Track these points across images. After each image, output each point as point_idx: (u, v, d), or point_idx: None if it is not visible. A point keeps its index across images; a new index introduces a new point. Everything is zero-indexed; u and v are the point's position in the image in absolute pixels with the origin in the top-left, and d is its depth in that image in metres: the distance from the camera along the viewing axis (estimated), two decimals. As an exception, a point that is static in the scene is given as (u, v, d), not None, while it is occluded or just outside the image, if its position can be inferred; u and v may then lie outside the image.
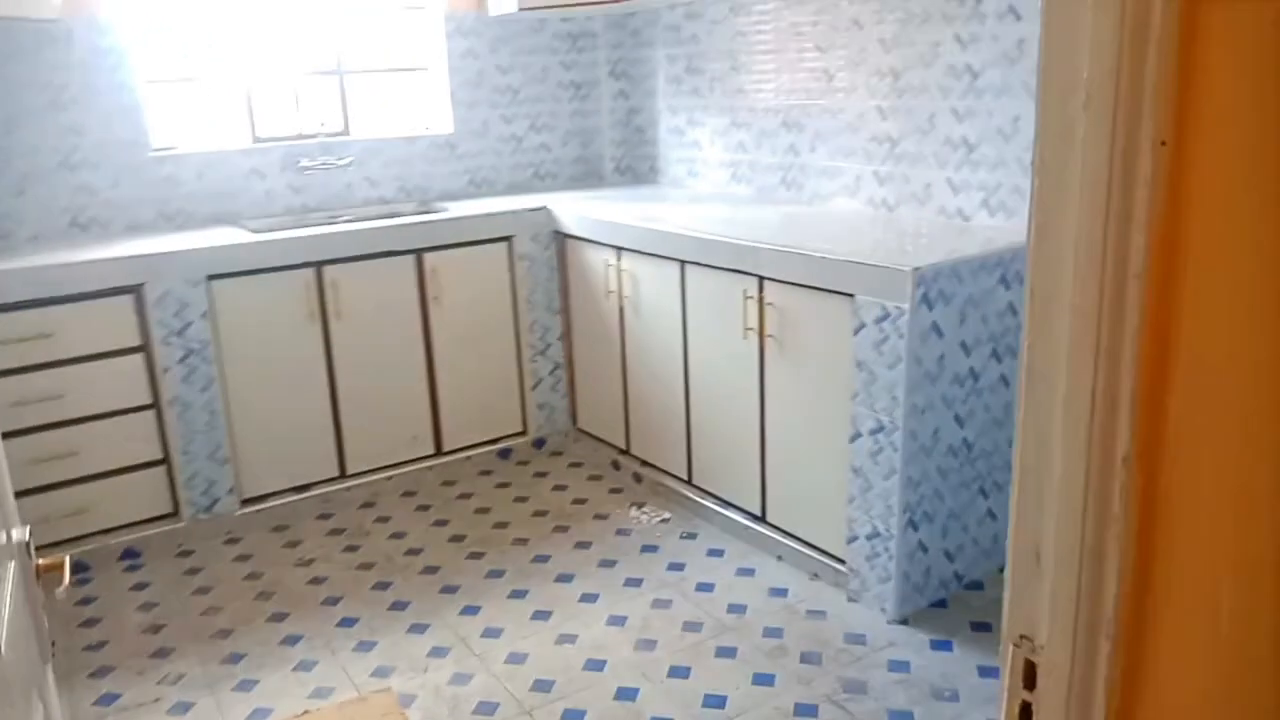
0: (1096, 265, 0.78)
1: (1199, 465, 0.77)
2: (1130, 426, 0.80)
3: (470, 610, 2.88)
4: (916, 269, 2.49)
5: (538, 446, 4.05)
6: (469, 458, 3.90)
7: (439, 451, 3.84)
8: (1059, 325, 0.83)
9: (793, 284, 2.84)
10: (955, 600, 2.80)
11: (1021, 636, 0.93)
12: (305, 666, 2.65)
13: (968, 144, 3.02)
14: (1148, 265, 0.76)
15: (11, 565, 1.23)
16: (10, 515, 1.31)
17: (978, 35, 2.93)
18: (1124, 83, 0.74)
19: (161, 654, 2.74)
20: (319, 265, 3.47)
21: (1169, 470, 0.79)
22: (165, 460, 3.31)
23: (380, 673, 2.60)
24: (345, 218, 3.96)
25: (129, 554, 3.30)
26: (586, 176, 4.67)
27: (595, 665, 2.59)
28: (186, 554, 3.31)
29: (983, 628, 2.66)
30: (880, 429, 2.63)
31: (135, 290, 3.18)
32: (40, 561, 1.32)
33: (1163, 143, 0.73)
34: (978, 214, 3.03)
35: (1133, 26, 0.73)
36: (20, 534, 1.32)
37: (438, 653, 2.68)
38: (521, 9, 3.97)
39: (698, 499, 3.41)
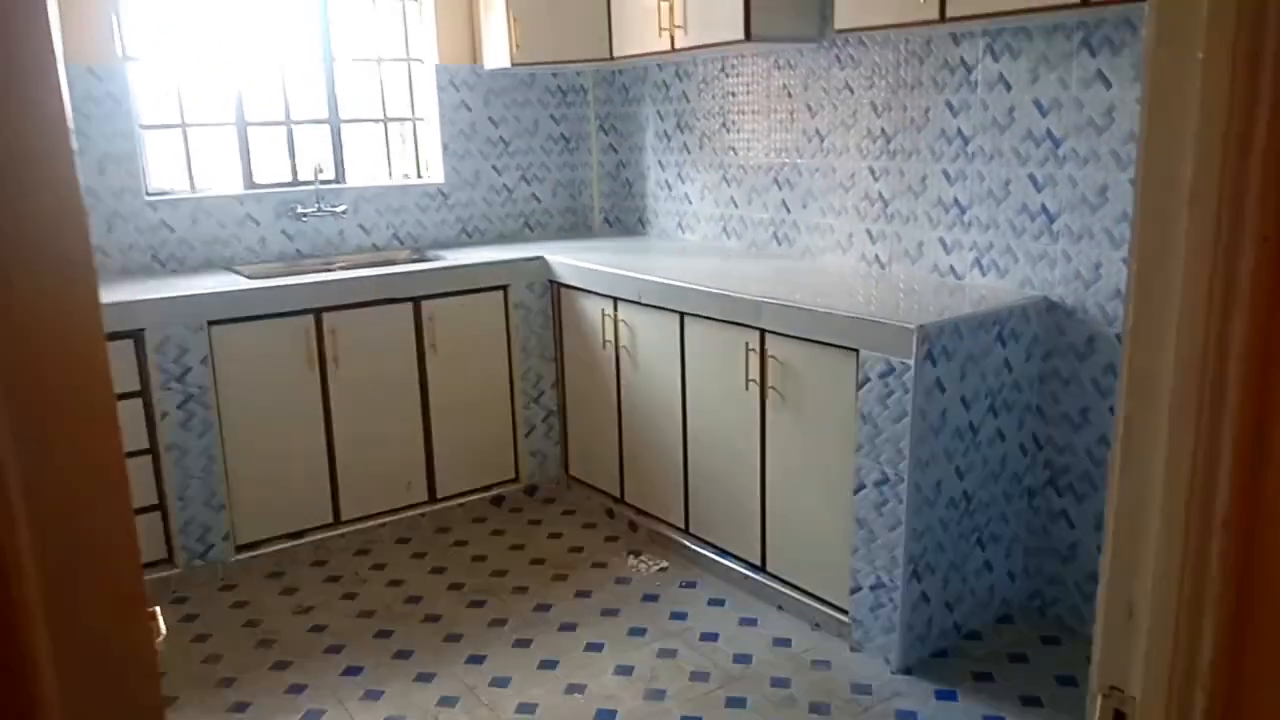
0: (1199, 348, 0.86)
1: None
2: (1229, 493, 0.87)
3: (475, 659, 2.88)
4: (921, 326, 2.59)
5: (530, 494, 4.06)
6: (462, 504, 3.90)
7: (432, 498, 3.84)
8: (1159, 401, 0.90)
9: (795, 338, 2.92)
10: (956, 650, 2.86)
11: (1112, 687, 0.99)
12: (313, 716, 2.62)
13: (959, 205, 3.15)
14: (1249, 348, 0.84)
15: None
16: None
17: (968, 102, 3.07)
18: (1228, 180, 0.82)
19: (163, 704, 2.69)
20: (319, 312, 3.49)
21: (1266, 534, 0.86)
22: (160, 506, 3.27)
23: (389, 724, 2.59)
24: (339, 264, 3.99)
25: (119, 603, 3.23)
26: (575, 227, 4.75)
27: (607, 715, 2.60)
28: (181, 600, 3.26)
29: (984, 678, 2.72)
30: (885, 481, 2.71)
31: (135, 335, 3.17)
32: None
33: (1266, 238, 0.82)
34: (970, 273, 3.15)
35: (1240, 126, 0.81)
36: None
37: (447, 702, 2.67)
38: (514, 64, 4.06)
39: (696, 548, 3.45)
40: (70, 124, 0.87)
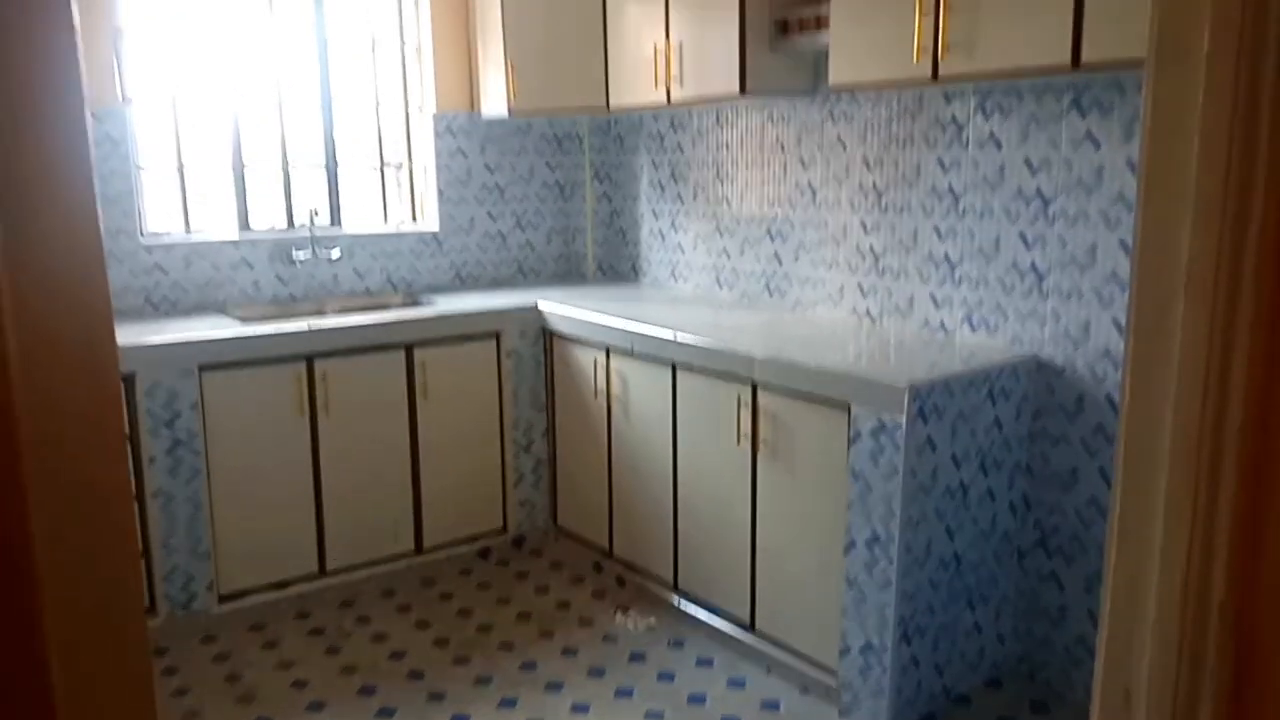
0: (1195, 427, 0.85)
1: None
2: (1226, 578, 0.86)
3: (460, 719, 2.82)
4: (912, 384, 2.58)
5: (517, 545, 4.02)
6: (448, 556, 3.85)
7: (419, 549, 3.80)
8: (1155, 480, 0.89)
9: (787, 392, 2.91)
10: (944, 715, 2.82)
11: (1108, 772, 0.97)
12: (290, 777, 2.56)
13: (950, 261, 3.16)
14: (1245, 427, 0.83)
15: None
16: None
17: (959, 160, 3.09)
18: (1224, 266, 0.82)
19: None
20: (310, 358, 3.47)
21: (1263, 619, 0.85)
22: (145, 554, 3.22)
23: (368, 784, 2.53)
24: (332, 309, 3.98)
25: (96, 653, 3.17)
26: (569, 274, 4.76)
27: (591, 777, 2.55)
28: (162, 652, 3.20)
29: (976, 740, 2.68)
30: (876, 540, 2.68)
31: (126, 379, 3.14)
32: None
33: (1258, 322, 0.81)
34: (960, 329, 3.15)
35: (1235, 211, 0.81)
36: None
37: (428, 762, 2.62)
38: (512, 112, 4.10)
39: (684, 605, 3.40)
40: (94, 165, 0.88)
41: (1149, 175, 0.86)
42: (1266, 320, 0.81)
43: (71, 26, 0.84)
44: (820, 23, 3.16)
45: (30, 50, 0.80)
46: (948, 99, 3.07)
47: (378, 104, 4.32)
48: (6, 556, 0.79)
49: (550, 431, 4.05)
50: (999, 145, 2.97)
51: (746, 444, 3.06)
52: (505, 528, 4.01)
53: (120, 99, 3.63)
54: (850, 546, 2.75)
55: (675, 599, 3.45)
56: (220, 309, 3.81)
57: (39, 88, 0.81)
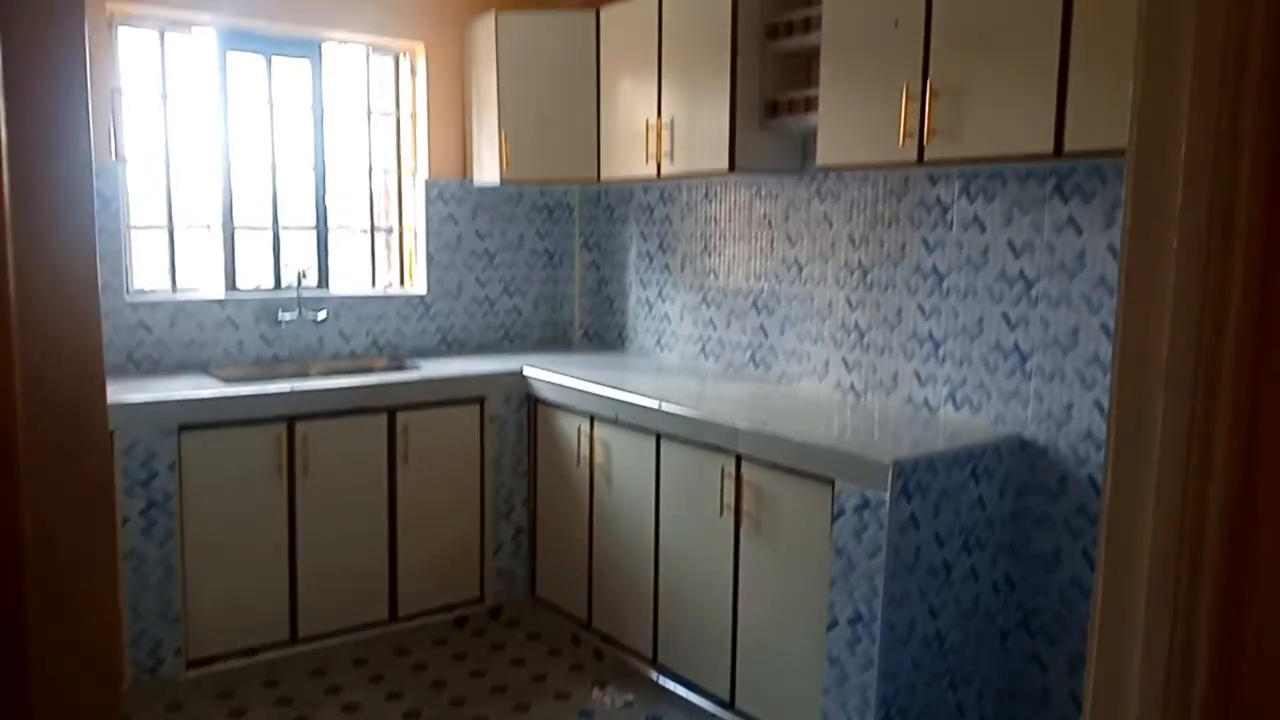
0: (1176, 521, 0.85)
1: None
2: (1208, 669, 0.85)
3: (429, 794, 2.75)
4: (896, 461, 2.58)
5: (494, 615, 3.96)
6: (424, 625, 3.78)
7: (393, 617, 3.73)
8: (1137, 576, 0.89)
9: (771, 465, 2.90)
10: (927, 797, 2.76)
11: None
12: None
13: (934, 339, 3.18)
14: (1225, 519, 0.83)
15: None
16: None
17: (944, 240, 3.14)
18: (1202, 367, 0.83)
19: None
20: (291, 420, 3.44)
21: (1246, 709, 0.84)
22: (110, 617, 3.15)
23: None
24: (316, 371, 3.97)
25: None
26: (555, 340, 4.77)
27: None
28: (126, 719, 3.11)
29: (958, 828, 2.62)
30: (859, 619, 2.65)
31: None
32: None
33: (1237, 417, 0.82)
34: (944, 406, 3.16)
35: (1212, 314, 0.82)
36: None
37: (395, 842, 2.53)
38: (504, 181, 4.15)
39: (663, 681, 3.35)
40: (95, 223, 0.90)
41: (1129, 272, 0.88)
42: (1245, 415, 0.82)
43: (85, 89, 0.85)
44: (809, 105, 3.23)
45: (46, 111, 0.81)
46: (933, 181, 3.13)
47: (370, 168, 4.37)
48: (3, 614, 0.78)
49: (531, 499, 4.01)
50: (983, 227, 3.02)
51: (729, 516, 3.04)
52: (483, 597, 3.95)
53: (114, 157, 3.65)
54: (833, 624, 2.72)
55: (654, 674, 3.39)
56: (203, 368, 3.80)
57: (52, 147, 0.82)
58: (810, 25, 3.22)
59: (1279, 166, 0.79)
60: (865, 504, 2.63)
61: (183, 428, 3.24)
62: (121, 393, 3.22)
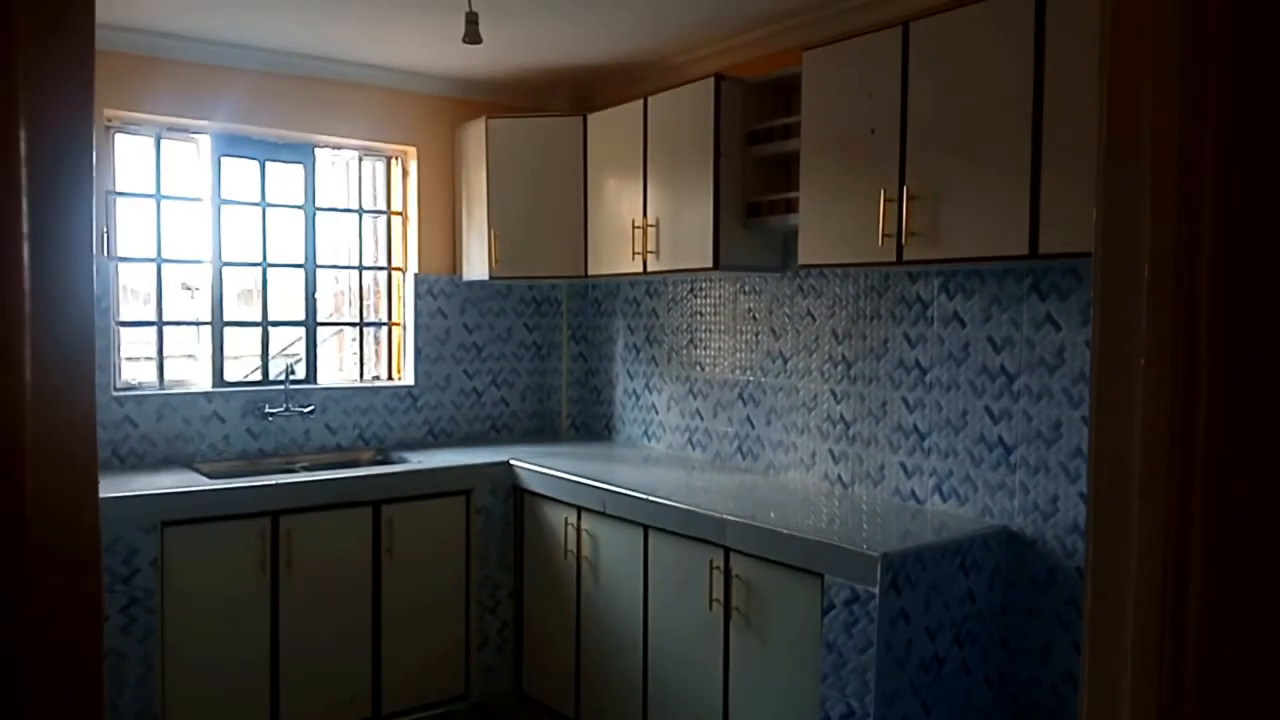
0: (1155, 627, 0.88)
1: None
2: None
3: None
4: (886, 554, 2.60)
5: (479, 712, 3.88)
6: (408, 723, 3.71)
7: (377, 715, 3.65)
8: (1121, 678, 0.91)
9: (760, 558, 2.91)
10: None
11: None
12: None
13: (919, 432, 3.23)
14: (1201, 629, 0.86)
15: None
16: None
17: (925, 335, 3.21)
18: (1174, 478, 0.87)
19: None
20: (276, 514, 3.43)
21: None
22: None
23: None
24: (301, 464, 3.96)
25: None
26: (542, 431, 4.79)
27: None
28: (95, 830, 3.00)
29: None
30: (851, 715, 2.63)
31: (85, 535, 3.08)
32: None
33: (1209, 525, 0.85)
34: (931, 498, 3.19)
35: (1181, 428, 0.87)
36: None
37: None
38: (493, 277, 4.22)
39: (652, 778, 3.28)
40: (94, 318, 0.93)
41: (1099, 385, 0.92)
42: (1216, 523, 0.85)
43: (90, 192, 0.89)
44: (790, 206, 3.34)
45: (54, 210, 0.85)
46: (912, 278, 3.22)
47: (360, 264, 4.44)
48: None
49: (517, 592, 3.98)
50: (963, 323, 3.09)
51: (719, 610, 3.03)
52: (468, 693, 3.88)
53: (106, 255, 3.70)
54: (824, 722, 2.69)
55: (643, 774, 3.32)
56: (187, 463, 3.79)
57: (58, 243, 0.86)
58: (790, 131, 3.34)
59: (1237, 281, 0.84)
60: (855, 598, 2.63)
61: (165, 523, 3.22)
62: (105, 488, 3.20)
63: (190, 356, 4.01)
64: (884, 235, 2.85)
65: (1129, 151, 0.90)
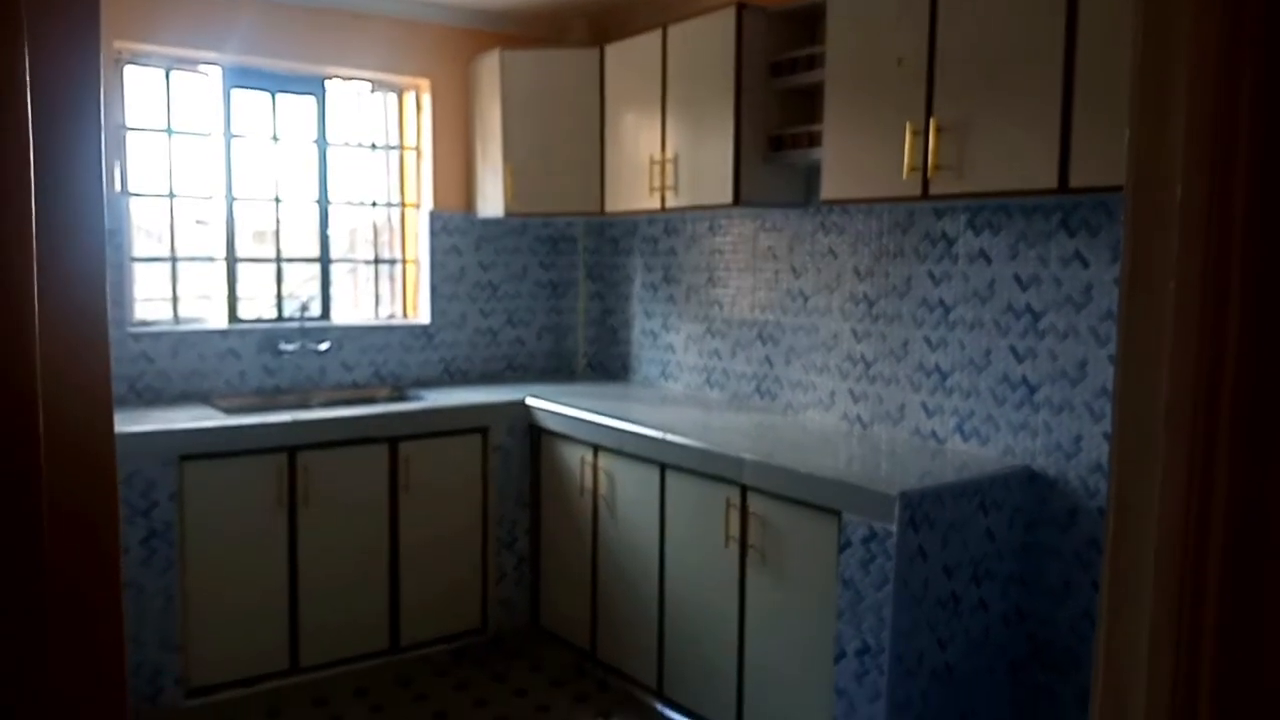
0: (1179, 556, 0.85)
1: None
2: (1210, 702, 0.85)
3: (432, 830, 2.71)
4: (904, 493, 2.58)
5: (496, 645, 3.92)
6: (425, 655, 3.75)
7: (395, 647, 3.70)
8: (1140, 607, 0.88)
9: (777, 496, 2.90)
10: (937, 833, 2.73)
11: None
12: None
13: (941, 371, 3.19)
14: (1226, 556, 0.82)
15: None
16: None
17: (950, 273, 3.16)
18: (1201, 407, 0.83)
19: None
20: (293, 450, 3.43)
21: None
22: (111, 649, 3.12)
23: None
24: (317, 401, 3.96)
25: (54, 752, 3.04)
26: (559, 371, 4.77)
27: None
28: (122, 755, 3.06)
29: None
30: (867, 650, 2.64)
31: (105, 467, 3.09)
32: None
33: (1236, 455, 0.82)
34: (951, 438, 3.17)
35: (1210, 357, 0.82)
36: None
37: None
38: (508, 214, 4.17)
39: (668, 712, 3.32)
40: (106, 253, 0.91)
41: (1128, 311, 0.88)
42: (1243, 454, 0.82)
43: (99, 125, 0.86)
44: (813, 140, 3.26)
45: (62, 146, 0.82)
46: (938, 215, 3.15)
47: (374, 201, 4.39)
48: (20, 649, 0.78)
49: (534, 529, 4.00)
50: (989, 260, 3.04)
51: (735, 547, 3.03)
52: (485, 627, 3.92)
53: (119, 190, 3.67)
54: (840, 655, 2.70)
55: (658, 705, 3.36)
56: (204, 399, 3.79)
57: (69, 177, 0.83)
58: (814, 63, 3.26)
59: (1272, 205, 0.80)
60: (872, 535, 2.62)
61: (184, 457, 3.23)
62: (123, 423, 3.21)
63: (205, 298, 3.99)
64: (909, 169, 2.78)
65: (1164, 70, 0.85)
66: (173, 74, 3.82)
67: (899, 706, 2.62)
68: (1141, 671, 0.89)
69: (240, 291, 4.02)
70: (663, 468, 3.32)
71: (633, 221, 4.48)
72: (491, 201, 4.25)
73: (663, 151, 3.69)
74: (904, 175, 2.80)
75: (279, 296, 4.13)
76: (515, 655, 3.87)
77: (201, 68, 3.88)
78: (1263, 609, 0.82)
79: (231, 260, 3.98)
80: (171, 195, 3.84)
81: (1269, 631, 0.82)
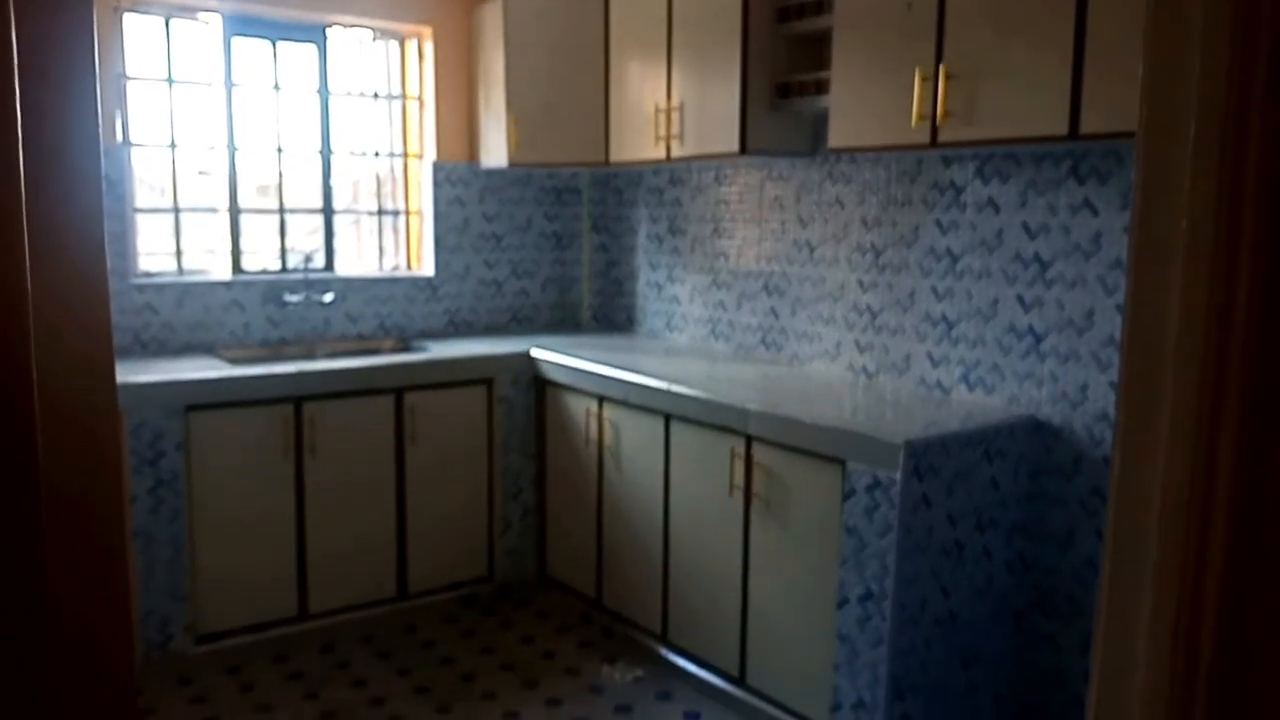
0: (1183, 503, 0.84)
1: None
2: (1213, 650, 0.85)
3: (440, 771, 2.76)
4: (909, 441, 2.58)
5: (503, 594, 3.96)
6: (432, 603, 3.79)
7: (402, 595, 3.74)
8: (1144, 554, 0.88)
9: (782, 446, 2.90)
10: (937, 775, 2.77)
11: None
12: (265, 829, 2.49)
13: (947, 321, 3.18)
14: (1230, 508, 0.82)
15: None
16: None
17: (957, 222, 3.13)
18: (1210, 353, 0.82)
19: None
20: (299, 400, 3.44)
21: (1251, 687, 0.84)
22: (121, 595, 3.16)
23: (346, 839, 2.46)
24: (322, 352, 3.96)
25: (68, 695, 3.09)
26: (563, 323, 4.76)
27: (576, 836, 2.49)
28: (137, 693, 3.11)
29: (968, 806, 2.63)
30: (869, 596, 2.66)
31: (112, 416, 3.11)
32: None
33: (1244, 401, 0.81)
34: (957, 388, 3.16)
35: (1220, 302, 0.81)
36: None
37: (408, 818, 2.55)
38: (512, 164, 4.13)
39: (673, 657, 3.36)
40: (104, 204, 0.90)
41: (1138, 253, 0.87)
42: (1250, 401, 0.81)
43: (93, 74, 0.85)
44: (820, 87, 3.22)
45: (56, 95, 0.81)
46: (946, 163, 3.12)
47: (377, 151, 4.36)
48: (20, 592, 0.78)
49: (539, 480, 4.02)
50: (997, 209, 3.01)
51: (739, 496, 3.04)
52: (491, 576, 3.96)
53: (120, 140, 3.64)
54: (843, 602, 2.73)
55: (663, 651, 3.40)
56: (210, 350, 3.79)
57: (62, 128, 0.82)
58: (822, 8, 3.20)
59: None
60: (876, 484, 2.63)
61: (190, 408, 3.24)
62: (128, 373, 3.22)
63: (209, 251, 3.98)
64: (918, 116, 2.74)
65: (1180, 11, 0.83)
66: (172, 22, 3.78)
67: (901, 653, 2.65)
68: (1145, 619, 0.89)
69: (244, 244, 4.01)
70: (667, 418, 3.32)
71: (638, 172, 4.44)
72: (495, 152, 4.22)
73: (668, 100, 3.65)
74: (913, 123, 2.76)
75: (283, 248, 4.11)
76: (522, 603, 3.92)
77: (201, 15, 3.83)
78: (1268, 555, 0.82)
79: (235, 211, 3.96)
80: (173, 146, 3.81)
81: (1274, 577, 0.82)
